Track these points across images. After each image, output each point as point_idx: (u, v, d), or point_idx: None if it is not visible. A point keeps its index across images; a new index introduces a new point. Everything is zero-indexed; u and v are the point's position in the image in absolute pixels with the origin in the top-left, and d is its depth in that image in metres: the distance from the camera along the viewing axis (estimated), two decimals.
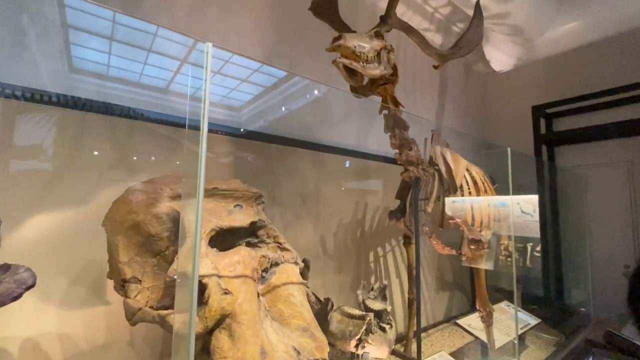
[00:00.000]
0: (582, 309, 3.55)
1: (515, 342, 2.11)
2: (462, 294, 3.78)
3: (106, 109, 1.63)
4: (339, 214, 2.65)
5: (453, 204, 2.11)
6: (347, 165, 2.83)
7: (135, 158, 1.72)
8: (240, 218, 1.38)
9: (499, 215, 2.49)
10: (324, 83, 2.47)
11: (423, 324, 3.17)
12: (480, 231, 2.10)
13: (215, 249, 1.30)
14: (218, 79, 2.19)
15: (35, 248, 1.43)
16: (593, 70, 3.55)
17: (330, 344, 1.74)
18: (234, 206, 1.41)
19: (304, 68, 2.51)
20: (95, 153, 1.61)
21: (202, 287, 1.13)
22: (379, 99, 2.03)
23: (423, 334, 2.80)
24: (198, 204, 0.88)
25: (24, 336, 1.42)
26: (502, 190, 2.52)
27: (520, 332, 2.43)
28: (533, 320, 2.69)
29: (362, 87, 1.88)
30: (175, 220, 1.27)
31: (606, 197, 3.49)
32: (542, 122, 3.84)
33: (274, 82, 2.43)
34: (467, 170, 2.30)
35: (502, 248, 3.01)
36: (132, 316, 1.18)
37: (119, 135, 1.69)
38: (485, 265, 2.33)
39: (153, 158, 1.77)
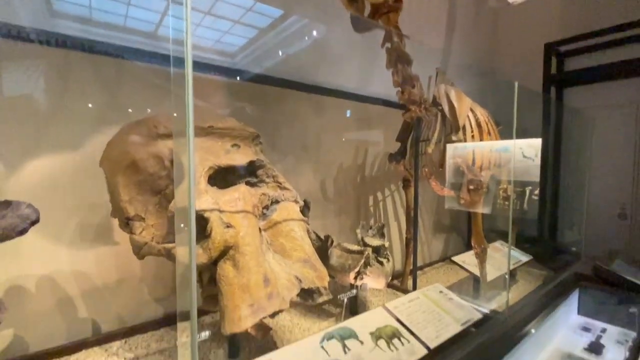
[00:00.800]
0: (574, 249, 3.70)
1: (507, 276, 2.22)
2: (458, 236, 3.92)
3: (91, 47, 1.53)
4: (339, 159, 2.64)
5: (454, 145, 2.08)
6: (348, 114, 2.75)
7: (126, 100, 1.66)
8: (238, 157, 1.36)
9: (500, 159, 2.47)
10: (322, 22, 2.29)
11: (419, 263, 3.34)
12: (480, 172, 2.10)
13: (215, 188, 1.31)
14: (208, 20, 2.02)
15: (37, 191, 1.44)
16: (610, 2, 3.28)
17: (330, 276, 1.84)
18: (231, 146, 1.39)
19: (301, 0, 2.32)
20: (86, 95, 1.55)
21: (204, 221, 1.15)
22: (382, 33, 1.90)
23: (419, 272, 2.95)
24: (189, 134, 0.86)
25: (39, 274, 1.49)
26: (506, 133, 2.47)
27: (511, 267, 2.56)
28: (525, 257, 2.82)
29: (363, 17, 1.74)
30: (172, 159, 1.26)
31: (611, 140, 3.45)
32: (554, 61, 3.65)
33: (269, 22, 2.25)
34: (471, 110, 2.23)
35: (500, 192, 3.04)
36: (139, 250, 1.22)
37: (108, 77, 1.61)
38: (482, 209, 2.38)
39: (145, 100, 1.71)
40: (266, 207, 1.40)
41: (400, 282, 2.47)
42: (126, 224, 1.27)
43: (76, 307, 1.57)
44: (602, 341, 2.06)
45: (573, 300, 2.42)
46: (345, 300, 1.61)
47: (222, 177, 1.37)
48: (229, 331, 1.09)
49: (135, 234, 1.25)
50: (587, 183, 3.52)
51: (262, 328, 1.56)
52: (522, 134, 2.42)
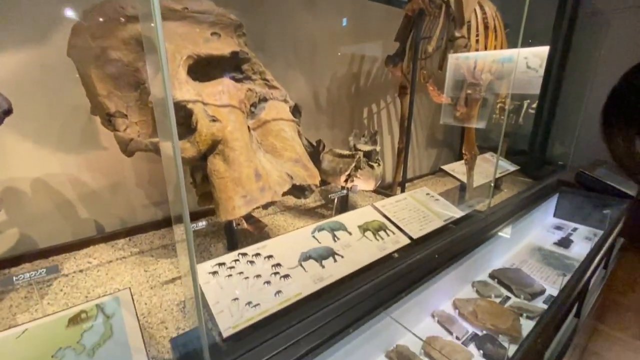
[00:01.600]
0: (561, 162, 3.79)
1: (492, 184, 2.29)
2: (449, 151, 3.96)
3: None
4: (334, 66, 2.47)
5: (456, 55, 1.93)
6: (344, 24, 2.47)
7: None
8: (219, 47, 1.25)
9: (502, 70, 2.33)
10: None
11: (409, 176, 3.44)
12: (481, 74, 2.00)
13: (197, 82, 1.23)
14: None
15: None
16: None
17: (322, 181, 1.89)
18: (211, 34, 1.26)
19: None
20: None
21: (188, 113, 1.10)
22: None
23: (408, 184, 3.05)
24: (155, 11, 0.75)
25: (32, 177, 1.49)
26: (513, 38, 2.28)
27: (498, 175, 2.64)
28: (512, 167, 2.89)
29: None
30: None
31: (621, 47, 3.23)
32: None
33: None
34: (479, 5, 2.01)
35: (497, 106, 2.97)
36: (126, 147, 1.20)
37: None
38: (477, 123, 2.33)
39: None
40: (254, 105, 1.34)
41: (390, 190, 2.56)
42: (108, 120, 1.22)
43: (76, 208, 1.62)
44: (571, 238, 2.25)
45: (551, 203, 2.57)
46: (336, 199, 1.68)
47: (203, 71, 1.27)
48: (224, 219, 1.14)
49: (119, 131, 1.21)
50: (588, 93, 3.42)
51: (258, 225, 1.65)
52: (530, 39, 2.24)
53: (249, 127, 1.30)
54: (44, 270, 0.99)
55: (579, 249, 2.12)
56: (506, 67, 2.38)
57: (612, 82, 3.32)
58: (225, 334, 0.94)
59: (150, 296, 1.29)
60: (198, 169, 1.34)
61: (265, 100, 1.36)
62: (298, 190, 1.42)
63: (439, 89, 2.20)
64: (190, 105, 1.08)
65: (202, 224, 1.21)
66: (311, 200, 2.30)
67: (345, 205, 1.96)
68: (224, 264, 1.17)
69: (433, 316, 1.41)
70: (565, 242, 2.16)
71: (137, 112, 1.25)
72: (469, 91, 2.03)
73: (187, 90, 1.08)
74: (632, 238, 3.03)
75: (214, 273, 1.12)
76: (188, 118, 1.11)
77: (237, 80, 1.35)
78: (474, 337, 1.30)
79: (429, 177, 3.44)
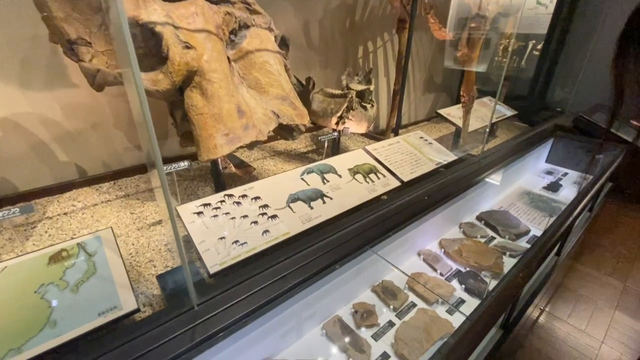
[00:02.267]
0: (559, 109, 3.70)
1: (487, 128, 2.23)
2: (447, 97, 3.81)
3: None
4: None
5: None
6: None
7: None
8: None
9: (509, 6, 2.12)
10: None
11: (405, 121, 3.34)
12: (487, 5, 1.81)
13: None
14: None
15: None
16: None
17: (313, 123, 1.80)
18: None
19: None
20: None
21: (158, 39, 0.98)
22: None
23: (402, 130, 2.97)
24: None
25: None
26: None
27: (495, 120, 2.57)
28: (510, 112, 2.80)
29: None
30: None
31: None
32: None
33: None
34: None
35: (501, 48, 2.79)
36: (93, 80, 1.09)
37: None
38: (479, 65, 2.18)
39: None
40: (234, 33, 1.20)
41: (384, 136, 2.49)
42: (70, 48, 1.08)
43: (53, 151, 1.53)
44: (561, 182, 2.26)
45: (545, 149, 2.55)
46: (326, 142, 1.62)
47: None
48: (205, 159, 1.08)
49: (84, 62, 1.08)
50: (597, 34, 3.21)
51: (246, 169, 1.61)
52: None
53: (228, 58, 1.18)
54: (17, 209, 0.95)
55: (567, 193, 2.14)
56: (514, 3, 2.18)
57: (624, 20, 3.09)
58: (211, 271, 0.95)
59: (137, 237, 1.28)
60: (177, 106, 1.25)
61: (246, 27, 1.22)
62: (285, 131, 1.35)
63: (441, 22, 2.01)
64: (158, 29, 0.95)
65: (183, 164, 1.15)
66: (302, 145, 2.23)
67: (336, 149, 1.90)
68: (209, 204, 1.14)
69: (419, 255, 1.45)
70: (554, 187, 2.17)
71: (103, 39, 1.11)
72: (472, 25, 1.86)
73: (153, 9, 0.94)
74: (626, 184, 3.08)
75: (199, 213, 1.10)
76: (158, 46, 0.99)
77: (213, 2, 1.19)
78: (457, 274, 1.34)
79: (424, 123, 3.35)
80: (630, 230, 2.75)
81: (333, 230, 1.17)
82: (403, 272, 1.29)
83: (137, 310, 0.82)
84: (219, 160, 1.40)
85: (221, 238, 1.04)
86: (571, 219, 1.53)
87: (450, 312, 1.17)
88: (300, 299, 1.02)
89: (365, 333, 1.09)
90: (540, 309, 1.97)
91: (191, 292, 0.81)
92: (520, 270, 1.05)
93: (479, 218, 1.75)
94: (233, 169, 1.61)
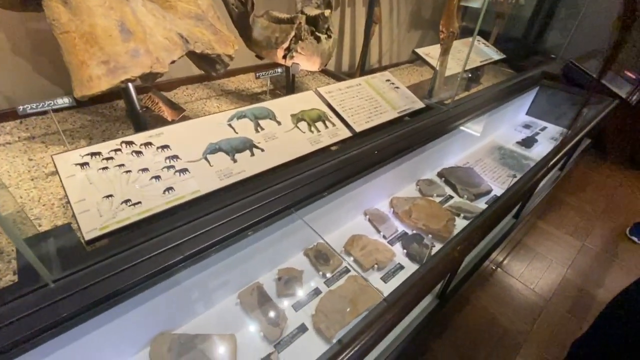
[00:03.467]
0: (553, 55, 3.37)
1: (462, 71, 1.94)
2: (435, 35, 3.40)
3: None
4: None
5: None
6: None
7: None
8: None
9: None
10: None
11: (385, 63, 3.00)
12: None
13: None
14: None
15: None
16: None
17: (257, 57, 1.50)
18: None
19: None
20: None
21: None
22: None
23: (381, 72, 2.65)
24: None
25: None
26: None
27: (480, 63, 2.28)
28: (497, 56, 2.50)
29: None
30: None
31: None
32: None
33: None
34: None
35: None
36: None
37: None
38: None
39: None
40: None
41: (351, 76, 2.19)
42: None
43: None
44: (537, 137, 2.09)
45: (527, 99, 2.32)
46: (268, 79, 1.35)
47: None
48: (79, 94, 0.83)
49: None
50: None
51: (174, 110, 1.35)
52: None
53: None
54: None
55: (541, 149, 1.98)
56: None
57: None
58: (88, 237, 0.77)
59: (28, 189, 1.07)
60: None
61: None
62: (205, 62, 1.08)
63: None
64: None
65: (63, 100, 0.90)
66: (257, 85, 1.94)
67: (290, 89, 1.63)
68: (98, 153, 0.92)
69: (365, 214, 1.31)
70: (528, 142, 2.00)
71: None
72: None
73: None
74: (609, 142, 2.94)
75: (83, 165, 0.89)
76: None
77: None
78: (402, 237, 1.22)
79: (406, 65, 3.01)
80: (599, 188, 2.69)
81: (257, 189, 0.99)
82: (324, 240, 1.13)
83: None
84: (133, 95, 1.13)
85: (107, 196, 0.85)
86: (536, 178, 1.39)
87: (385, 279, 1.06)
88: (203, 268, 0.88)
89: (286, 303, 0.97)
90: (495, 265, 1.94)
91: (37, 265, 0.64)
92: (469, 235, 0.92)
93: (439, 175, 1.59)
94: (158, 109, 1.35)
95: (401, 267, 1.12)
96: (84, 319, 0.67)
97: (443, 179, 1.56)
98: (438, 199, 1.43)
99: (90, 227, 0.79)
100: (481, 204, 1.44)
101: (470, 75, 2.25)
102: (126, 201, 0.85)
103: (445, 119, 1.52)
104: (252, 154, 1.09)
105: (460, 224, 1.29)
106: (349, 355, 0.64)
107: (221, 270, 0.93)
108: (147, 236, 0.80)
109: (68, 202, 0.84)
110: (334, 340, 0.85)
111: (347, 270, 1.09)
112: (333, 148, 1.25)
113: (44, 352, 0.68)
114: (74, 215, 0.80)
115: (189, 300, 0.91)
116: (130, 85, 1.04)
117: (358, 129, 1.32)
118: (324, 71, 2.18)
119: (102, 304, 0.67)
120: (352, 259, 1.11)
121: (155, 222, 0.86)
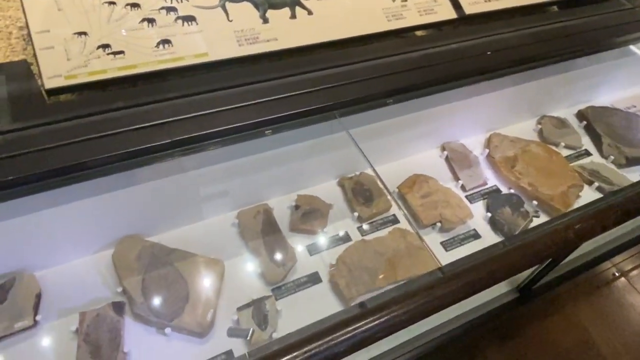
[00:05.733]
0: None
1: None
2: None
3: None
4: None
5: None
6: None
7: None
8: None
9: None
10: None
11: None
12: None
13: None
14: None
15: None
16: None
17: None
18: None
19: None
20: None
21: None
22: None
23: None
24: None
25: None
26: None
27: None
28: None
29: None
30: None
31: None
32: None
33: None
34: None
35: None
36: None
37: None
38: None
39: None
40: None
41: None
42: None
43: None
44: None
45: None
46: None
47: None
48: None
49: None
50: None
51: None
52: None
53: None
54: None
55: None
56: None
57: None
58: (49, 84, 0.82)
59: None
60: None
61: None
62: None
63: None
64: None
65: None
66: None
67: None
68: None
69: (443, 149, 1.30)
70: None
71: None
72: None
73: None
74: None
75: None
76: None
77: None
78: (491, 194, 1.20)
79: None
80: None
81: (288, 70, 0.97)
82: (373, 169, 1.10)
83: None
84: None
85: (80, 34, 0.88)
86: None
87: (447, 245, 1.07)
88: (196, 165, 0.92)
89: (299, 241, 1.02)
90: (618, 272, 1.89)
91: None
92: (585, 219, 0.86)
93: (579, 115, 1.53)
94: None
95: (476, 236, 1.11)
96: (34, 190, 0.74)
97: (584, 122, 1.51)
98: (566, 152, 1.39)
99: (54, 73, 0.83)
100: (634, 175, 1.35)
101: None
102: (104, 46, 0.88)
103: (623, 23, 1.34)
104: (293, 16, 1.08)
105: (589, 196, 1.23)
106: (372, 324, 0.67)
107: (220, 175, 0.98)
108: (128, 102, 0.83)
109: (29, 33, 0.87)
110: (353, 304, 0.89)
111: (396, 221, 1.11)
112: (419, 33, 1.20)
113: None
114: (35, 55, 0.84)
115: (172, 204, 0.98)
116: None
117: (469, 10, 1.23)
118: None
119: (58, 176, 0.73)
120: (407, 206, 1.11)
121: (140, 84, 0.89)
